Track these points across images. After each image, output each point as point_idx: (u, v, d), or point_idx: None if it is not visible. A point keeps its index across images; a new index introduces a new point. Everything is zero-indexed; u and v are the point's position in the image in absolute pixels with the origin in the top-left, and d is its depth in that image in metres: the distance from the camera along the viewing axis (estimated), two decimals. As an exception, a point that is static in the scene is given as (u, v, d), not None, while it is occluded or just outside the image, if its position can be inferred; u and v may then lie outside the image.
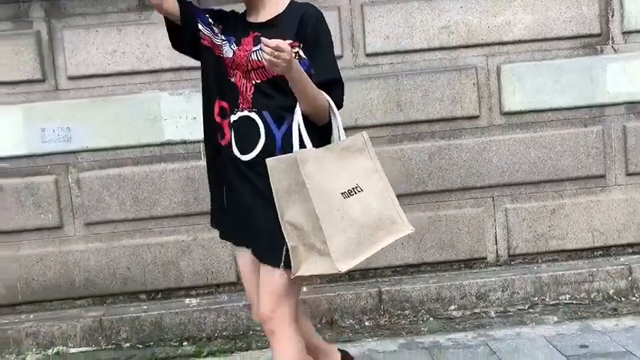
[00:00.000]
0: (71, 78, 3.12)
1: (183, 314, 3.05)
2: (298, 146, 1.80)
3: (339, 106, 1.93)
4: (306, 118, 1.85)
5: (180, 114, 3.14)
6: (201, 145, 3.15)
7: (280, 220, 1.79)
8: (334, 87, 1.90)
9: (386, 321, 3.07)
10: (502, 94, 3.25)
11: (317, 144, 1.84)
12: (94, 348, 3.03)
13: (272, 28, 1.86)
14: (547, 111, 3.27)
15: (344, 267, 1.74)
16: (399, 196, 3.14)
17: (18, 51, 3.08)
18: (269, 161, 1.77)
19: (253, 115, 1.86)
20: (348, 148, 1.89)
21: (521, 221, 3.28)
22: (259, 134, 1.86)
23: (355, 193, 1.83)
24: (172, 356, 2.97)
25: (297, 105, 1.83)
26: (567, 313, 3.03)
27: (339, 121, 1.91)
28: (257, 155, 1.84)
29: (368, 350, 2.84)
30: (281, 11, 1.90)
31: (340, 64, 3.12)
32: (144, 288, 3.19)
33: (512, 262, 3.29)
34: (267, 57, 1.69)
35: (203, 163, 3.12)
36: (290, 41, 1.79)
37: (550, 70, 3.24)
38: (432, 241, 3.25)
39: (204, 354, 2.96)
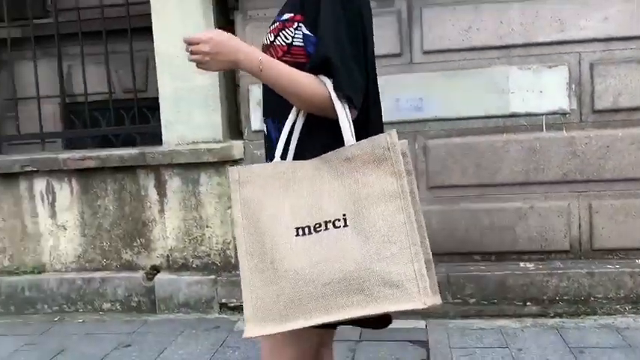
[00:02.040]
0: (426, 52, 3.38)
1: (526, 276, 3.24)
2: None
3: (347, 93, 1.34)
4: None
5: (526, 87, 3.30)
6: (544, 117, 3.34)
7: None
8: (333, 69, 1.34)
9: None
10: None
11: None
12: (442, 301, 3.32)
13: (285, 6, 1.53)
14: None
15: (251, 332, 1.27)
16: None
17: (380, 27, 3.39)
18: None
19: (262, 126, 1.55)
20: (354, 158, 1.29)
21: None
22: (272, 151, 1.43)
23: (326, 228, 1.25)
24: (519, 314, 3.19)
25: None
26: None
27: (343, 117, 1.33)
28: None
29: None
30: None
31: None
32: (479, 249, 3.42)
33: None
34: (189, 58, 1.39)
35: (545, 134, 3.33)
36: (289, 15, 1.43)
37: None
38: None
39: (551, 314, 3.14)
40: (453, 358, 2.71)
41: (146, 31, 3.83)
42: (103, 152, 3.70)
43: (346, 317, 1.24)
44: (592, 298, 3.19)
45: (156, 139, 3.74)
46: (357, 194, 1.28)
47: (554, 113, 3.30)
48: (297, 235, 1.26)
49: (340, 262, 1.23)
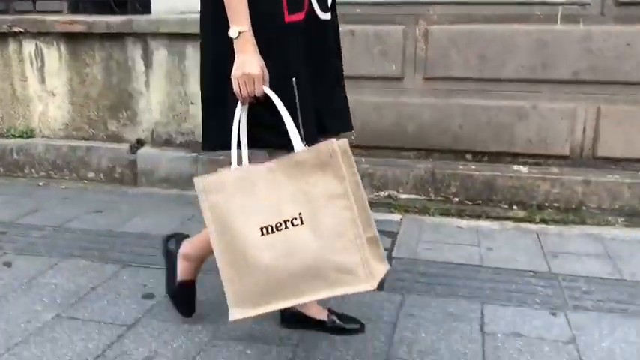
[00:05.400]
0: None
1: (516, 179, 3.05)
2: None
3: None
4: None
5: (544, -29, 2.95)
6: (560, 7, 3.00)
7: None
8: None
9: None
10: None
11: None
12: (423, 197, 3.17)
13: None
14: None
15: (235, 316, 1.52)
16: None
17: None
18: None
19: None
20: (304, 163, 1.48)
21: None
22: None
23: (286, 227, 1.45)
24: (503, 217, 3.02)
25: None
26: None
27: (290, 124, 1.52)
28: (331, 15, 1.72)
29: None
30: None
31: None
32: (472, 148, 3.21)
33: None
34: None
35: (559, 27, 3.01)
36: None
37: None
38: None
39: (537, 220, 2.96)
40: (417, 249, 2.59)
41: None
42: (91, 17, 3.55)
43: (312, 299, 1.51)
44: (583, 208, 2.99)
45: (148, 8, 3.56)
46: (310, 195, 1.47)
47: (572, 4, 2.96)
48: (262, 234, 1.47)
49: (300, 255, 1.44)
